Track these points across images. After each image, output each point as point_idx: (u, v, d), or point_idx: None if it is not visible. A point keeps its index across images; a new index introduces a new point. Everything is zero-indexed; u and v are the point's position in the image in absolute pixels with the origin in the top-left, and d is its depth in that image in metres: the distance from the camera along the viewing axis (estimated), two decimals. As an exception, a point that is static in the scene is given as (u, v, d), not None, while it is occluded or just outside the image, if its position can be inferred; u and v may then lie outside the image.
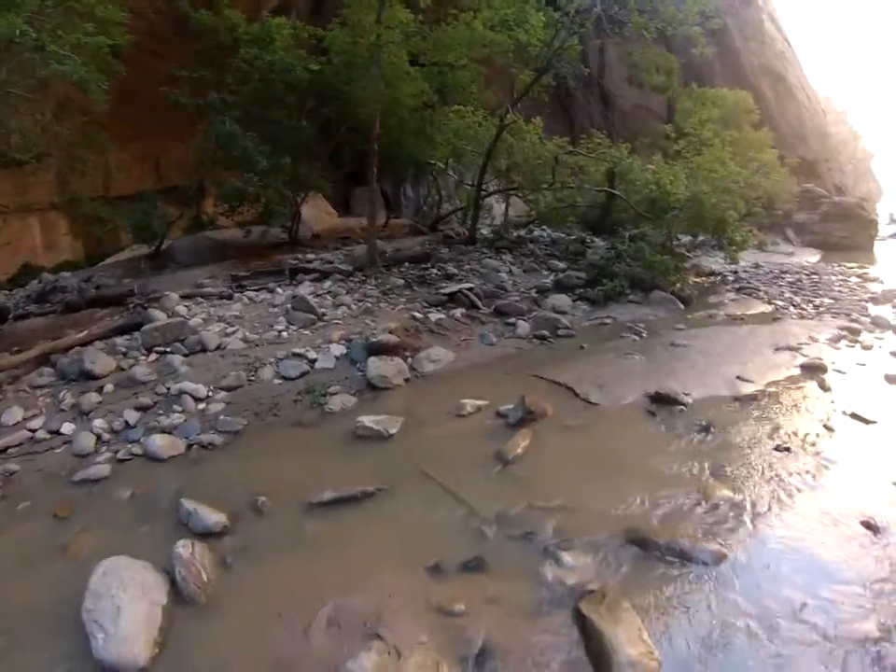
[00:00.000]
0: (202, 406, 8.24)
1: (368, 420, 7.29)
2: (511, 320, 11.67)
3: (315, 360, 9.31)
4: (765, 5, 37.82)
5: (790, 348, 10.29)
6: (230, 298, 12.25)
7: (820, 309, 14.09)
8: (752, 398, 8.19)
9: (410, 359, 9.48)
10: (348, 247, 16.89)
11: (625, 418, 7.62)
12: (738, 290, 16.20)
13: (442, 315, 11.38)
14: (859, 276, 19.38)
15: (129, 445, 7.31)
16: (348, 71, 15.26)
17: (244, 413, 8.03)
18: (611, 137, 19.46)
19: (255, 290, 12.68)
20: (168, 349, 9.68)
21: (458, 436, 7.24)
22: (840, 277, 18.89)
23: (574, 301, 13.51)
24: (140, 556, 4.88)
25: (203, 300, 12.08)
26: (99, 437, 7.50)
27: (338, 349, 9.61)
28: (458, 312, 11.69)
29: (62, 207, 17.93)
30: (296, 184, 16.34)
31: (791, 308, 14.34)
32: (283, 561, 5.04)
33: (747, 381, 8.73)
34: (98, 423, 7.71)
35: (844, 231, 27.81)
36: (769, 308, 14.46)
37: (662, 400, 7.92)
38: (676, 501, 5.58)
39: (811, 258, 24.34)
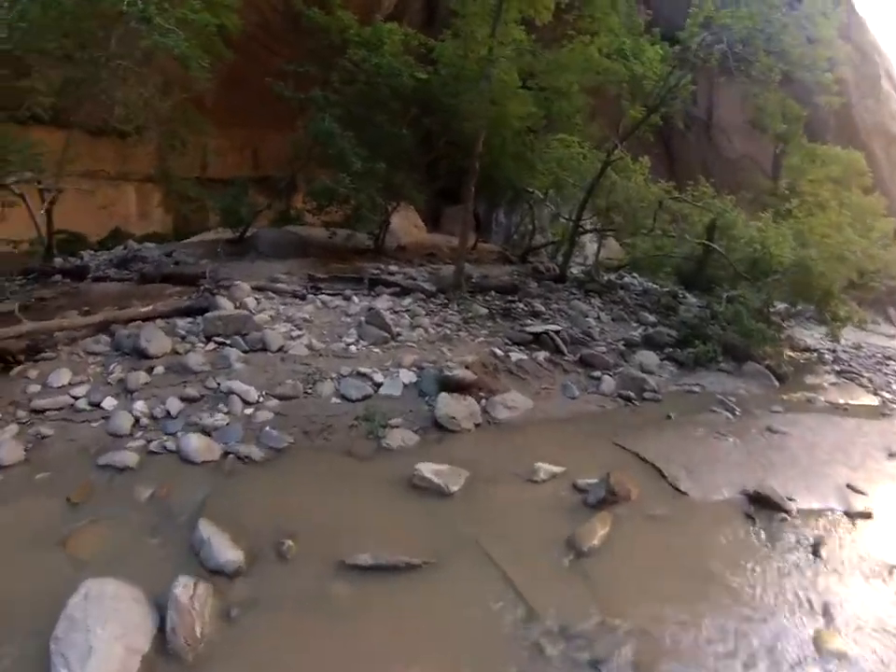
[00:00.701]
0: (249, 411, 7.52)
1: (428, 470, 6.29)
2: (597, 374, 10.55)
3: (380, 384, 8.43)
4: (882, 61, 34.23)
5: (905, 456, 8.81)
6: (303, 298, 11.56)
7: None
8: (866, 516, 6.80)
9: (484, 401, 8.47)
10: (433, 265, 16.06)
11: (719, 517, 6.39)
12: (839, 373, 14.53)
13: (524, 357, 10.35)
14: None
15: (164, 437, 6.76)
16: (455, 84, 14.51)
17: (292, 429, 7.22)
18: (714, 186, 18.04)
19: (330, 295, 11.97)
20: (227, 341, 9.06)
21: (528, 506, 6.16)
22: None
23: (661, 360, 12.26)
24: (137, 576, 4.26)
25: (274, 295, 11.42)
26: (137, 420, 7.04)
27: (407, 376, 8.71)
28: (542, 355, 10.64)
29: (156, 181, 17.71)
30: (389, 191, 15.58)
31: None
32: (295, 628, 4.19)
33: (859, 492, 7.31)
34: (140, 405, 7.23)
35: None
36: (875, 400, 12.83)
37: (761, 502, 6.63)
38: (780, 647, 4.39)
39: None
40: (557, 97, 16.15)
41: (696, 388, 11.35)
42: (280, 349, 9.03)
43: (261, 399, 7.74)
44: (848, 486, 7.44)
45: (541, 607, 4.50)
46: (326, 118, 13.48)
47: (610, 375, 10.57)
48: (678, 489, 6.83)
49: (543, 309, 13.48)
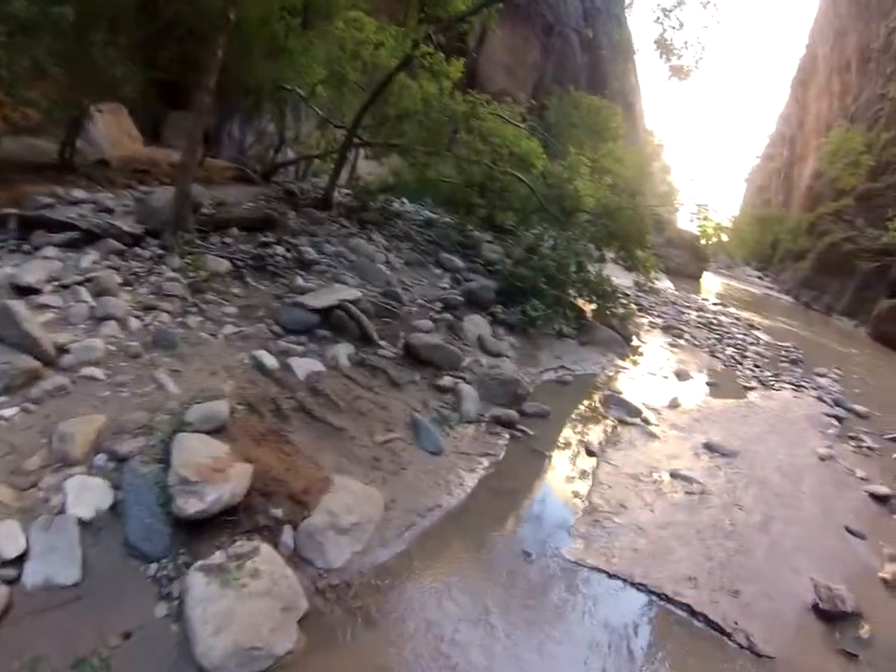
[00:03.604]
0: None
1: None
2: (446, 381, 5.89)
3: (20, 559, 2.81)
4: (630, 34, 38.60)
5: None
6: None
7: (768, 376, 10.11)
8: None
9: (289, 530, 3.37)
10: (146, 188, 9.63)
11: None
12: (664, 330, 11.89)
13: (317, 364, 5.29)
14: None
15: None
16: None
17: None
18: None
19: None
20: None
21: None
22: (730, 318, 15.66)
23: (490, 323, 8.09)
24: None
25: None
26: None
27: (87, 501, 3.16)
28: (342, 352, 5.66)
29: None
30: (82, 74, 8.65)
31: (741, 368, 10.32)
32: None
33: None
34: None
35: (682, 258, 25.95)
36: (716, 363, 10.34)
37: (831, 617, 3.85)
38: None
39: (666, 283, 21.03)
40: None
41: (564, 373, 7.59)
42: None
43: None
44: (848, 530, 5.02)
45: None
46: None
47: (465, 380, 6.02)
48: (753, 651, 3.44)
49: (315, 254, 8.27)
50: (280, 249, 8.04)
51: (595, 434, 5.89)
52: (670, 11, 9.31)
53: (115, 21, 8.80)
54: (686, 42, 9.42)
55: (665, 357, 9.74)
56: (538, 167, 12.09)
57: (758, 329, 15.34)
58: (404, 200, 14.81)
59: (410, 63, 10.51)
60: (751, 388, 9.07)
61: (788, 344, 13.47)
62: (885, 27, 42.77)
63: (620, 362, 8.64)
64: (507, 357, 7.23)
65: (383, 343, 6.18)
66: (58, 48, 7.50)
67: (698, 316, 14.27)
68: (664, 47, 9.48)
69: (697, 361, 9.95)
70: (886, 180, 33.03)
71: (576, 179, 11.46)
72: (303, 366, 5.09)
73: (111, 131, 12.13)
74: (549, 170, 12.08)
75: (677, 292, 18.38)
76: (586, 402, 6.81)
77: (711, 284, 28.41)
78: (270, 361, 4.97)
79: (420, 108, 11.06)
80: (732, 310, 18.02)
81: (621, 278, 12.97)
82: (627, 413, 6.51)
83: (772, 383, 9.67)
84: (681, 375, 8.81)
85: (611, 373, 8.12)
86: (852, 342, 18.26)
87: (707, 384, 8.76)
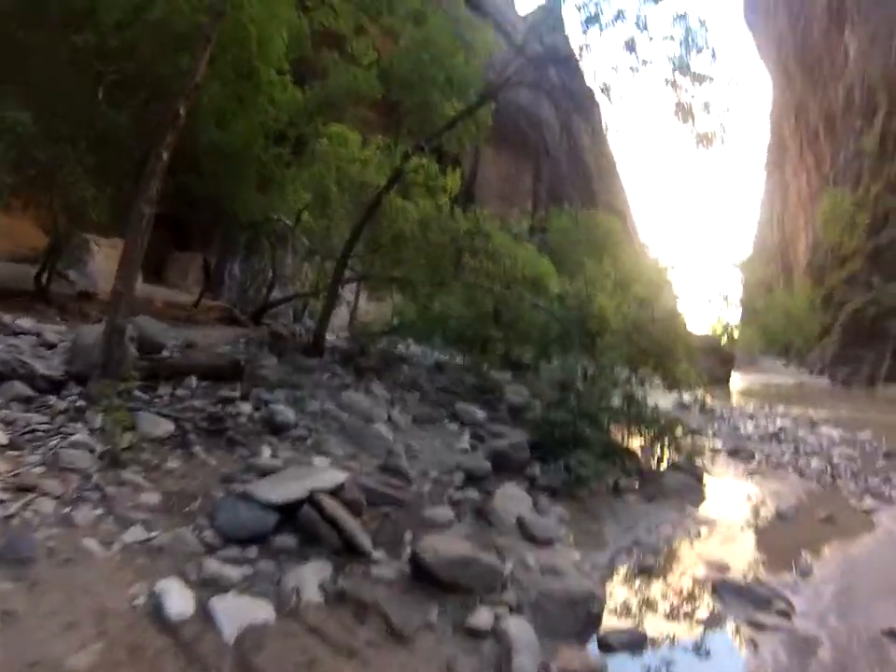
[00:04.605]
0: None
1: None
2: (482, 620, 3.40)
3: None
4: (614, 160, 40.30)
5: None
6: None
7: (878, 485, 7.96)
8: None
9: None
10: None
11: None
12: (732, 455, 9.63)
13: (265, 609, 2.98)
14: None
15: None
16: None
17: None
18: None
19: None
20: None
21: None
22: (787, 419, 13.55)
23: (527, 491, 5.94)
24: None
25: None
26: None
27: None
28: (312, 578, 3.38)
29: None
30: (66, 203, 8.28)
31: (840, 483, 8.13)
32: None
33: None
34: None
35: (706, 363, 23.87)
36: (810, 484, 8.06)
37: None
38: None
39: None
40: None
41: (645, 554, 5.19)
42: None
43: None
44: None
45: None
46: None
47: (511, 607, 3.66)
48: None
49: (292, 415, 6.11)
50: (246, 407, 6.04)
51: (726, 664, 3.60)
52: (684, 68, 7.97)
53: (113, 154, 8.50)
54: (707, 103, 8.03)
55: (753, 493, 7.42)
56: (552, 289, 10.62)
57: (821, 424, 13.27)
58: (410, 341, 13.17)
59: (400, 177, 9.20)
60: (872, 511, 6.78)
61: (867, 435, 11.34)
62: (842, 87, 43.28)
63: (702, 515, 6.37)
64: (558, 541, 5.09)
65: (378, 553, 3.94)
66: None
67: (755, 427, 12.12)
68: (684, 111, 8.03)
69: (789, 488, 7.62)
70: (889, 234, 31.78)
71: (597, 296, 9.93)
72: (236, 614, 2.88)
73: (110, 265, 12.02)
74: (566, 290, 10.58)
75: (715, 402, 16.26)
76: (689, 599, 4.39)
77: (741, 384, 26.29)
78: (178, 605, 2.80)
79: (417, 230, 9.48)
80: (781, 409, 16.01)
81: (660, 400, 11.03)
82: (753, 604, 4.18)
83: (888, 493, 7.45)
84: (784, 515, 6.48)
85: (700, 536, 5.76)
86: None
87: (821, 521, 6.46)
